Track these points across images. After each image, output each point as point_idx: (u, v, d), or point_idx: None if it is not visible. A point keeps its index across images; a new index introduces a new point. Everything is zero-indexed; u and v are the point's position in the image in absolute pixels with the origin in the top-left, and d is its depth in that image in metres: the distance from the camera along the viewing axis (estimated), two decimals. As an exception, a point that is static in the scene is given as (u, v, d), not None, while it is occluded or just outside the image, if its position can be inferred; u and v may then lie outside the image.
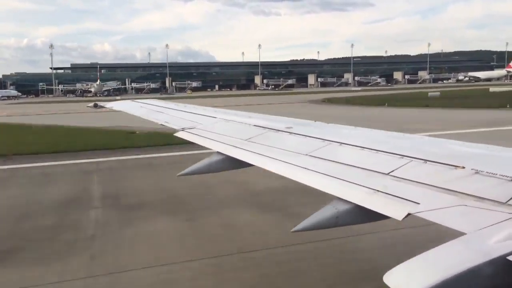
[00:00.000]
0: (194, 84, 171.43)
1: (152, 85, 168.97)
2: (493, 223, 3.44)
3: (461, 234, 3.40)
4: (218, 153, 7.69)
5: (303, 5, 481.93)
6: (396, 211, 4.13)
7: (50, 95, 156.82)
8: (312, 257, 11.42)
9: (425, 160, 5.02)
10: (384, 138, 6.79)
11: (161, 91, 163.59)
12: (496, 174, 4.26)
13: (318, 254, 11.59)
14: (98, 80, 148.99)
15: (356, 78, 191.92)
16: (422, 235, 9.14)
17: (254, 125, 8.75)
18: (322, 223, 4.63)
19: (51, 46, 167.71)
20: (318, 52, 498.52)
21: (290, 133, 7.66)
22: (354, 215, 4.55)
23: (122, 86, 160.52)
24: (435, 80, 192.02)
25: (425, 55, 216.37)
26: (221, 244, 12.53)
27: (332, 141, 6.53)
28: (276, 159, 6.49)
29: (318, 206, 4.87)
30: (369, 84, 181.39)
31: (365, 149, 5.89)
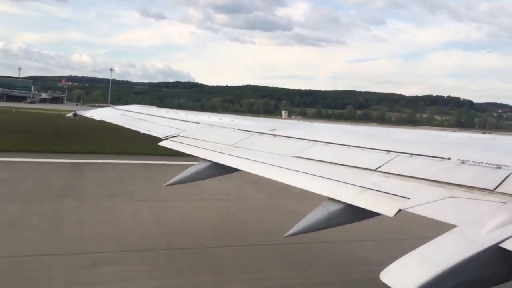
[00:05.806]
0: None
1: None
2: (483, 212, 3.47)
3: (453, 226, 3.42)
4: (204, 160, 7.64)
5: (276, 36, 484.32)
6: (387, 207, 4.14)
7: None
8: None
9: (411, 154, 5.05)
10: (370, 134, 6.81)
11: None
12: (482, 162, 4.30)
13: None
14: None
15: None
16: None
17: (238, 129, 8.73)
18: (314, 225, 4.61)
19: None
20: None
21: (275, 135, 7.65)
22: (346, 214, 4.54)
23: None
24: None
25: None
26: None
27: (317, 141, 6.54)
28: (263, 162, 6.47)
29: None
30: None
31: (351, 147, 5.91)
